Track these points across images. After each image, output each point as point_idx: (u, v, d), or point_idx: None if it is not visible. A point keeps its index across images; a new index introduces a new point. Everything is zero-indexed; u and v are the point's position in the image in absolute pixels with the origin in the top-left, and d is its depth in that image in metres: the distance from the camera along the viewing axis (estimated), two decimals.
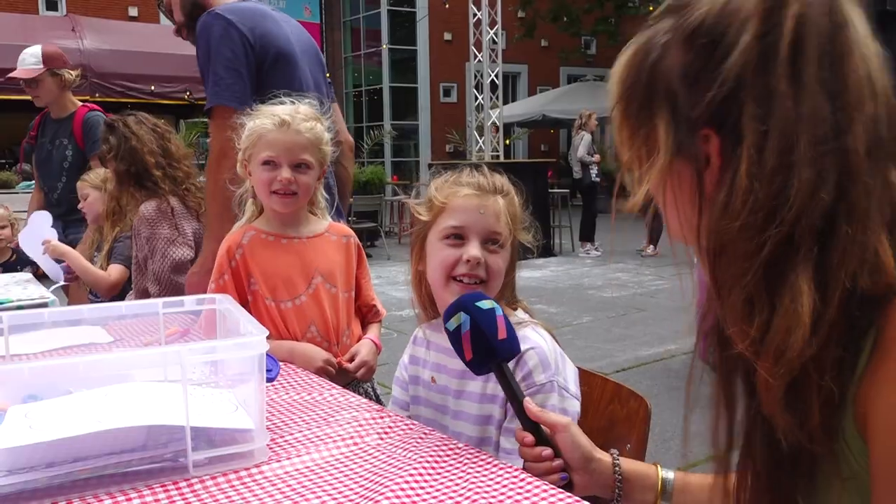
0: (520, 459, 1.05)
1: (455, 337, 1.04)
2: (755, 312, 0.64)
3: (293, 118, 1.61)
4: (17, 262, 3.58)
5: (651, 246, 8.51)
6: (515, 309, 1.32)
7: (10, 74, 3.49)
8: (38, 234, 2.84)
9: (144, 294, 2.34)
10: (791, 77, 0.63)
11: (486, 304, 1.03)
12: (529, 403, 1.02)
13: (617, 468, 1.00)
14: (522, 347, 1.21)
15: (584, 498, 0.90)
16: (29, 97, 3.51)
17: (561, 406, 1.19)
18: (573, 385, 1.24)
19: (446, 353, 1.33)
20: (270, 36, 1.97)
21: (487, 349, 1.02)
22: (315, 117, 1.65)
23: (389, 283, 7.19)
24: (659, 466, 1.02)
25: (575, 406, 1.23)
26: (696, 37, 0.68)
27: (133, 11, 13.63)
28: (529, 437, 1.00)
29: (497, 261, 1.25)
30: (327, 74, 2.30)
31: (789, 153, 0.62)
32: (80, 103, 3.59)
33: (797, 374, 0.62)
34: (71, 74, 3.46)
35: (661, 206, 0.75)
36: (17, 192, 7.65)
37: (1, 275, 3.18)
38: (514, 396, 1.03)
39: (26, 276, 3.06)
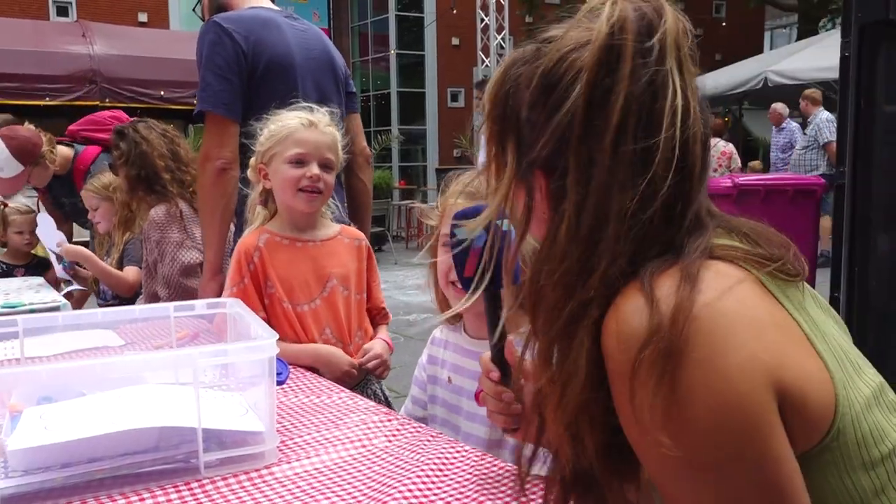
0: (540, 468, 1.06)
1: (461, 250, 0.95)
2: (550, 360, 0.69)
3: (319, 120, 1.66)
4: (38, 265, 3.62)
5: None
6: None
7: (2, 191, 3.18)
8: (51, 233, 2.86)
9: (154, 298, 2.36)
10: (612, 150, 0.65)
11: (505, 225, 0.92)
12: (513, 346, 0.93)
13: None
14: None
15: None
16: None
17: None
18: None
19: (464, 353, 1.35)
20: (265, 44, 2.01)
21: (493, 272, 0.91)
22: (332, 123, 1.70)
23: (397, 287, 7.20)
24: None
25: None
26: (535, 85, 0.71)
27: (143, 17, 13.72)
28: (496, 374, 0.95)
29: None
30: (351, 88, 2.31)
31: (602, 221, 0.65)
32: (71, 152, 3.31)
33: (574, 417, 0.67)
34: (50, 153, 3.18)
35: (504, 216, 0.79)
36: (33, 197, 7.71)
37: (13, 279, 3.21)
38: (500, 328, 0.94)
39: (38, 280, 3.08)
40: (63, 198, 3.39)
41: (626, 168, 0.65)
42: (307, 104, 1.70)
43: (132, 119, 2.76)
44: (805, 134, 7.96)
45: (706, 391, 0.59)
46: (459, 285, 1.24)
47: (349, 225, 1.94)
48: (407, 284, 7.36)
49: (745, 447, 0.59)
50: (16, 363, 1.36)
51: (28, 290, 2.77)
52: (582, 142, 0.66)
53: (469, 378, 1.32)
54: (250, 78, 1.98)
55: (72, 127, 3.46)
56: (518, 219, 0.76)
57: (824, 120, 7.48)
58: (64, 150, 3.31)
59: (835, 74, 7.20)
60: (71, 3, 13.27)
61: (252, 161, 1.71)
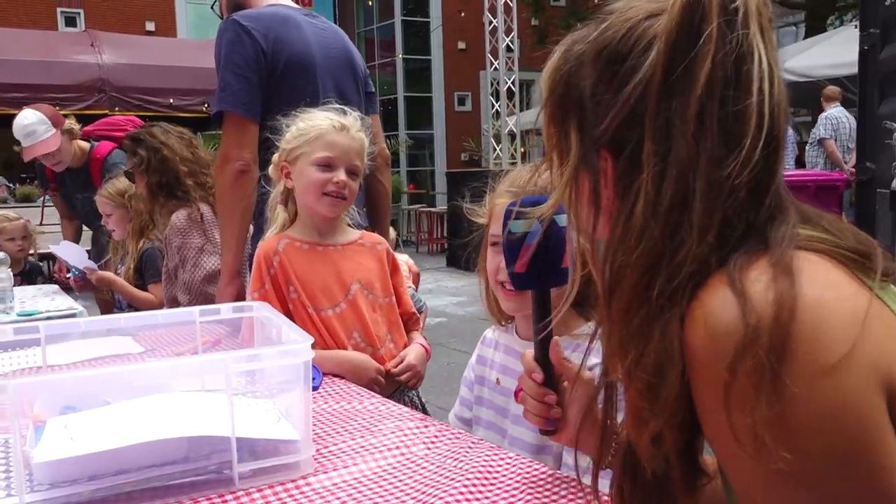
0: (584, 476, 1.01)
1: (514, 241, 0.90)
2: (632, 347, 0.63)
3: (351, 124, 1.61)
4: (31, 271, 3.61)
5: None
6: (589, 319, 1.26)
7: (34, 154, 3.16)
8: (76, 259, 2.81)
9: (174, 304, 2.31)
10: (696, 117, 0.61)
11: (562, 220, 0.88)
12: (558, 346, 0.93)
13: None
14: (593, 361, 1.17)
15: None
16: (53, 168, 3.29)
17: None
18: None
19: (514, 355, 1.30)
20: (284, 41, 1.97)
21: (545, 270, 0.90)
22: (362, 129, 1.65)
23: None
24: None
25: None
26: (603, 57, 0.67)
27: (150, 26, 13.77)
28: (539, 375, 0.92)
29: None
30: (371, 88, 2.27)
31: (686, 195, 0.61)
32: (88, 145, 3.36)
33: (665, 413, 0.61)
34: (73, 124, 3.25)
35: (566, 205, 0.75)
36: (39, 206, 7.72)
37: (28, 287, 3.19)
38: (544, 327, 0.92)
39: (53, 287, 3.05)
40: (77, 193, 3.36)
41: (712, 136, 0.61)
42: (339, 105, 1.65)
43: (144, 124, 2.71)
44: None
45: (813, 393, 0.53)
46: (509, 286, 1.20)
47: (367, 230, 1.89)
48: (420, 289, 7.31)
49: (854, 453, 0.53)
50: (37, 371, 1.31)
51: (43, 297, 2.74)
52: (659, 111, 0.62)
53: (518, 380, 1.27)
54: (270, 77, 1.93)
55: (87, 128, 3.46)
56: (583, 207, 0.71)
57: (823, 117, 7.42)
58: (80, 143, 3.32)
59: (845, 71, 7.11)
60: (79, 13, 13.32)
61: (275, 158, 1.66)
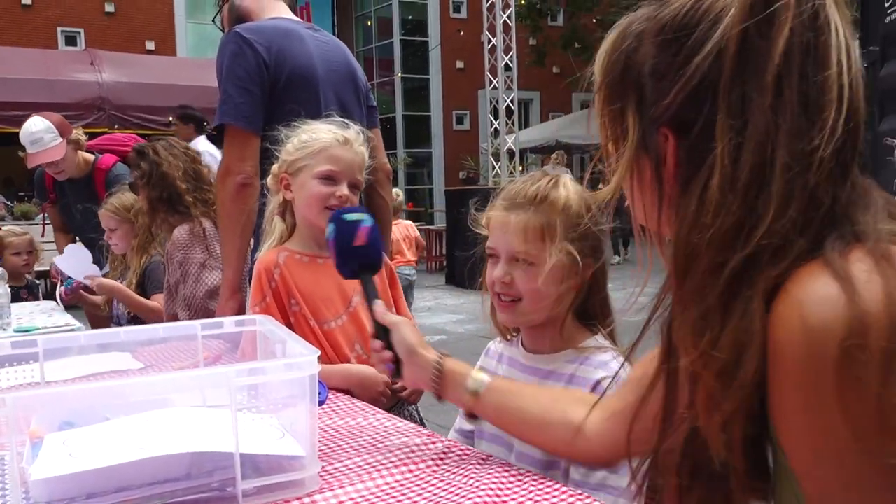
0: (592, 491, 0.99)
1: (329, 246, 1.18)
2: (707, 327, 0.61)
3: (355, 138, 1.60)
4: (32, 285, 3.59)
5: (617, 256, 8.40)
6: (596, 332, 1.23)
7: (39, 161, 3.16)
8: (79, 266, 2.76)
9: (174, 320, 2.28)
10: (774, 87, 0.59)
11: (352, 216, 1.18)
12: (378, 306, 1.15)
13: (437, 365, 1.08)
14: (600, 375, 1.16)
15: None
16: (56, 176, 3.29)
17: None
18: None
19: (520, 368, 1.28)
20: (287, 54, 1.96)
21: (346, 254, 1.18)
22: (364, 143, 1.64)
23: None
24: (470, 368, 1.09)
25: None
26: (667, 30, 0.65)
27: (150, 45, 13.84)
28: (379, 344, 1.14)
29: (526, 280, 1.18)
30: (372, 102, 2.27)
31: (764, 168, 0.59)
32: (92, 157, 3.37)
33: (739, 400, 0.59)
34: (80, 134, 3.26)
35: (627, 195, 0.74)
36: (37, 224, 7.70)
37: (25, 303, 3.15)
38: (369, 297, 1.18)
39: (50, 304, 3.02)
40: (77, 203, 3.34)
41: (792, 108, 0.59)
42: (342, 119, 1.63)
43: (150, 137, 2.70)
44: None
45: None
46: (505, 297, 1.19)
47: None
48: (418, 307, 7.28)
49: None
50: (35, 387, 1.28)
51: (41, 313, 2.71)
52: (734, 83, 0.60)
53: None
54: (272, 90, 1.92)
55: (90, 142, 3.45)
56: (646, 194, 0.68)
57: None
58: (85, 154, 3.33)
59: None
60: (79, 32, 13.40)
61: (274, 169, 1.64)
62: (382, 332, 1.13)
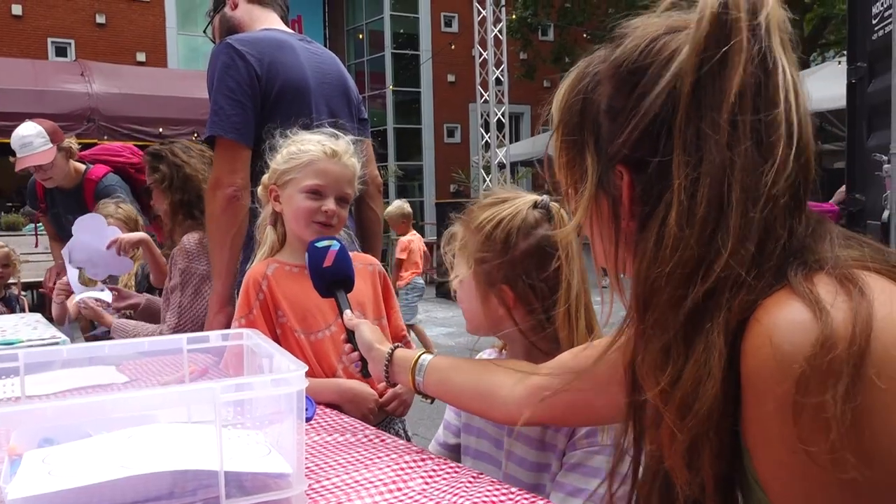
0: None
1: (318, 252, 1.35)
2: (669, 362, 0.61)
3: (344, 150, 1.58)
4: (4, 298, 3.56)
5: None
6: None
7: (26, 165, 3.12)
8: (95, 239, 2.56)
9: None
10: (729, 125, 0.61)
11: (322, 243, 1.37)
12: (346, 314, 1.32)
13: (388, 355, 1.19)
14: None
15: None
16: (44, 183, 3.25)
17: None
18: None
19: None
20: (279, 65, 1.94)
21: (319, 275, 1.36)
22: (355, 154, 1.62)
23: None
24: (421, 353, 1.17)
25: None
26: (622, 70, 0.67)
27: (141, 57, 13.83)
28: (349, 346, 1.30)
29: (459, 293, 1.24)
30: (363, 114, 2.26)
31: (721, 203, 0.60)
32: (83, 167, 3.33)
33: (700, 433, 0.59)
34: (73, 143, 3.23)
35: (587, 235, 0.75)
36: (24, 235, 7.63)
37: (10, 315, 3.11)
38: (340, 310, 1.34)
39: (36, 316, 2.98)
40: (67, 214, 3.30)
41: (745, 145, 0.60)
42: (332, 130, 1.61)
43: (163, 141, 2.65)
44: None
45: (890, 414, 0.51)
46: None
47: (358, 252, 1.85)
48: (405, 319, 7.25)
49: None
50: (15, 401, 1.25)
51: (25, 326, 2.66)
52: (689, 119, 0.61)
53: None
54: (264, 101, 1.90)
55: (83, 153, 3.43)
56: (605, 232, 0.70)
57: None
58: (76, 164, 3.29)
59: (827, 105, 7.29)
60: (70, 43, 13.37)
61: (264, 179, 1.62)
62: (350, 335, 1.29)
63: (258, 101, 1.90)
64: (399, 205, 6.45)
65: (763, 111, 0.61)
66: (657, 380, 0.62)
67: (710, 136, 0.60)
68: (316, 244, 1.36)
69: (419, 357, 1.16)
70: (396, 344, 1.21)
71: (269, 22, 2.12)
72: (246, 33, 2.02)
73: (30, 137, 3.08)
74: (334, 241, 1.36)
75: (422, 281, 6.13)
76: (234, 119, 1.86)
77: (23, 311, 3.50)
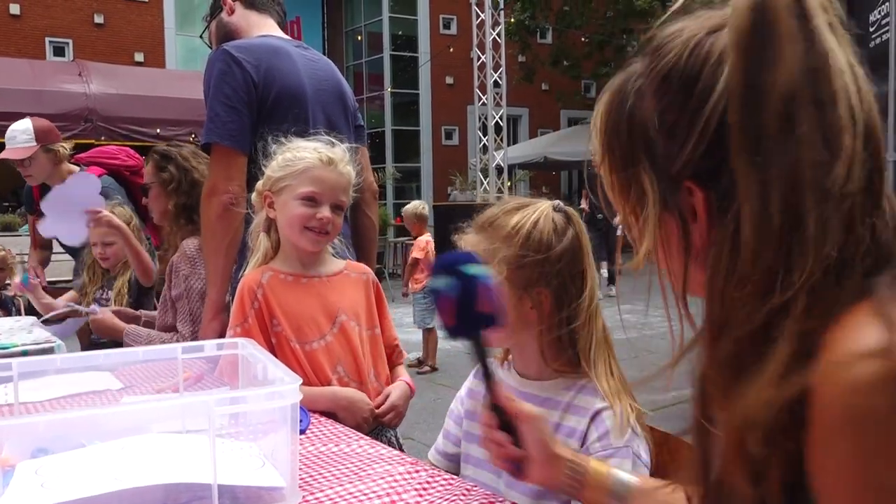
0: None
1: (438, 298, 0.95)
2: (739, 377, 0.58)
3: (340, 158, 1.58)
4: (2, 300, 3.55)
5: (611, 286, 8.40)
6: (583, 365, 1.19)
7: (1, 155, 3.19)
8: (77, 200, 2.57)
9: (167, 330, 2.24)
10: (786, 121, 0.57)
11: (472, 269, 0.94)
12: (500, 387, 0.98)
13: (576, 464, 0.97)
14: (600, 405, 1.14)
15: None
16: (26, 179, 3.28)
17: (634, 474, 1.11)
18: (644, 452, 1.15)
19: (511, 392, 1.26)
20: (276, 72, 1.94)
21: (468, 317, 0.94)
22: (350, 162, 1.62)
23: (395, 325, 7.04)
24: (612, 469, 0.99)
25: (646, 474, 1.14)
26: (670, 81, 0.62)
27: (139, 57, 13.81)
28: (495, 420, 0.97)
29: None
30: (360, 121, 2.25)
31: (796, 208, 0.56)
32: (77, 169, 3.31)
33: (767, 446, 0.56)
34: (65, 148, 3.24)
35: (655, 260, 0.70)
36: (20, 235, 7.61)
37: (6, 318, 3.10)
38: (487, 372, 0.98)
39: (30, 319, 2.97)
40: None
41: (810, 141, 0.56)
42: (327, 137, 1.61)
43: (170, 142, 2.64)
44: None
45: None
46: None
47: (351, 260, 1.84)
48: (404, 322, 7.23)
49: None
50: (8, 409, 1.25)
51: (20, 330, 2.66)
52: (747, 124, 0.57)
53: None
54: (260, 108, 1.90)
55: (79, 155, 3.43)
56: (673, 255, 0.65)
57: None
58: (70, 166, 3.30)
59: None
60: (68, 42, 13.35)
61: (259, 185, 1.62)
62: (504, 420, 0.96)
63: (254, 108, 1.89)
64: (416, 205, 6.37)
65: (822, 101, 0.57)
66: (726, 394, 0.59)
67: (771, 135, 0.56)
68: (464, 268, 0.93)
69: (619, 477, 0.98)
70: (574, 449, 1.02)
71: (266, 28, 2.12)
72: (242, 40, 2.02)
73: (15, 132, 3.13)
74: (482, 268, 0.95)
75: None
76: (230, 126, 1.86)
77: (19, 313, 3.49)
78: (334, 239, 1.63)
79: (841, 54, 0.58)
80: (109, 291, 2.76)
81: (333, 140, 1.61)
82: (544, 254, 1.16)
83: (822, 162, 0.56)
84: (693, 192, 0.62)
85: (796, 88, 0.56)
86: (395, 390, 1.61)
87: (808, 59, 0.57)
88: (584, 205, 8.71)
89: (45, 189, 3.30)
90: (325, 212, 1.54)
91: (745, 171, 0.58)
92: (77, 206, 2.59)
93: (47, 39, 13.23)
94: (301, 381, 0.96)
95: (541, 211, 1.20)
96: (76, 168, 3.33)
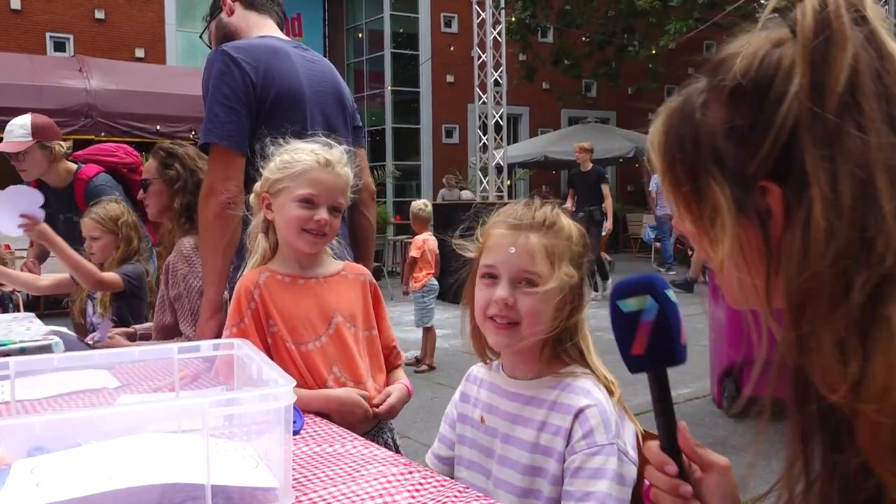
0: None
1: (627, 321, 0.83)
2: (850, 356, 0.59)
3: (338, 160, 1.58)
4: (0, 296, 3.56)
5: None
6: (574, 360, 1.23)
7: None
8: (12, 207, 2.57)
9: (166, 330, 2.25)
10: (852, 111, 0.61)
11: (672, 295, 0.83)
12: (685, 431, 0.83)
13: None
14: (584, 402, 1.16)
15: None
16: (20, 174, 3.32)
17: (620, 472, 1.12)
18: (631, 448, 1.17)
19: (500, 393, 1.27)
20: (275, 72, 1.95)
21: (663, 349, 0.82)
22: (348, 163, 1.62)
23: (393, 323, 7.05)
24: None
25: (632, 472, 1.15)
26: (740, 94, 0.66)
27: (140, 53, 13.79)
28: (673, 468, 0.81)
29: (531, 302, 1.17)
30: (357, 122, 2.26)
31: (866, 186, 0.60)
32: (74, 167, 3.37)
33: None
34: (62, 146, 3.27)
35: (719, 272, 0.70)
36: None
37: (4, 315, 3.11)
38: (667, 412, 0.83)
39: (29, 315, 2.98)
40: (60, 214, 3.31)
41: (876, 124, 0.60)
42: (325, 139, 1.62)
43: (173, 140, 2.65)
44: None
45: None
46: (500, 320, 1.17)
47: (350, 261, 1.85)
48: (403, 321, 7.26)
49: None
50: (5, 407, 1.26)
51: (18, 326, 2.67)
52: (815, 117, 0.61)
53: (504, 419, 1.24)
54: (259, 109, 1.91)
55: (77, 153, 3.45)
56: (754, 262, 0.67)
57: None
58: (68, 164, 3.33)
59: None
60: (68, 38, 13.33)
61: (256, 187, 1.63)
62: (678, 459, 0.82)
63: (253, 109, 1.90)
64: (419, 204, 6.38)
65: (885, 92, 0.61)
66: (843, 377, 0.59)
67: (839, 124, 0.60)
68: (668, 292, 0.83)
69: None
70: None
71: (266, 28, 2.12)
72: (242, 40, 2.03)
73: (14, 126, 3.18)
74: (648, 301, 0.82)
75: (436, 282, 6.02)
76: (228, 126, 1.87)
77: (17, 309, 3.50)
78: (332, 240, 1.64)
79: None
80: (94, 298, 2.77)
81: (331, 142, 1.62)
82: (588, 253, 1.23)
83: (890, 144, 0.60)
84: (768, 190, 0.64)
85: (858, 82, 0.61)
86: (395, 391, 1.62)
87: (868, 56, 0.62)
88: (568, 204, 8.76)
89: (42, 186, 3.32)
90: (322, 214, 1.55)
91: (813, 161, 0.61)
92: (17, 209, 2.59)
93: (48, 34, 13.21)
94: (295, 383, 0.97)
95: (562, 213, 1.25)
96: (74, 166, 3.34)
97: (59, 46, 13.26)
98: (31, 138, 3.16)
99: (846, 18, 0.62)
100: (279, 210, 1.58)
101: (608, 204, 8.75)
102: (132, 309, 2.74)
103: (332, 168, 1.57)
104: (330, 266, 1.67)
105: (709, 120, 0.68)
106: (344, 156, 1.61)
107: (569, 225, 1.23)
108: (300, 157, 1.56)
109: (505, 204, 1.30)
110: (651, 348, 0.81)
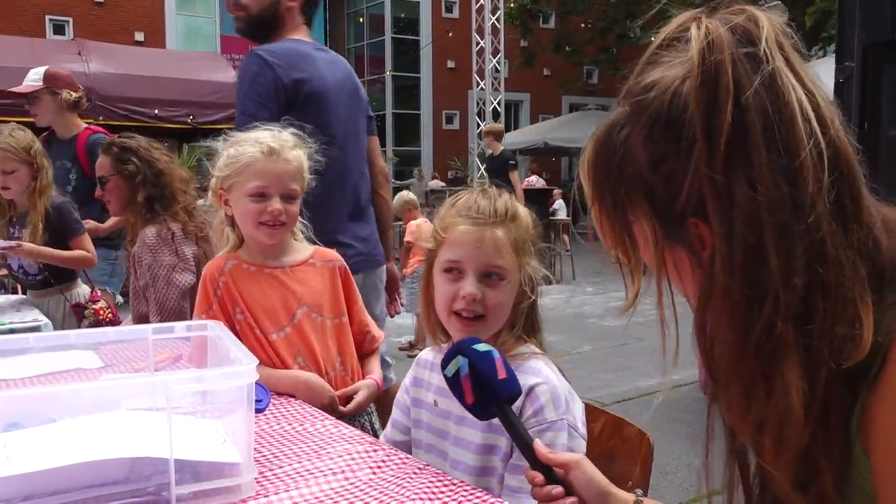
0: (528, 499, 1.01)
1: (454, 382, 1.01)
2: (752, 405, 0.63)
3: (282, 146, 1.57)
4: None
5: None
6: (527, 342, 1.26)
7: (12, 89, 3.51)
8: None
9: (143, 318, 2.28)
10: (743, 165, 0.60)
11: (482, 347, 1.02)
12: (539, 446, 0.97)
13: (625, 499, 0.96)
14: (534, 381, 1.19)
15: None
16: (33, 119, 3.48)
17: (569, 445, 1.15)
18: (581, 424, 1.20)
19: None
20: (305, 76, 2.10)
21: (488, 391, 0.99)
22: (298, 144, 1.61)
23: None
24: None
25: (582, 446, 1.19)
26: (659, 127, 0.66)
27: (140, 36, 13.78)
28: (540, 477, 0.96)
29: (497, 295, 1.20)
30: (370, 112, 2.44)
31: (757, 244, 0.60)
32: (85, 125, 3.55)
33: (802, 460, 0.61)
34: (70, 95, 3.41)
35: (669, 287, 0.73)
36: None
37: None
38: (520, 439, 0.98)
39: (20, 297, 3.02)
40: (57, 160, 3.34)
41: (765, 176, 0.59)
42: (269, 126, 1.62)
43: (121, 134, 2.64)
44: None
45: None
46: (466, 314, 1.20)
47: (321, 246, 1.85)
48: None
49: None
50: None
51: (9, 307, 2.71)
52: (711, 166, 0.61)
53: (456, 401, 1.26)
54: (289, 108, 2.02)
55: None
56: (687, 278, 0.69)
57: None
58: (77, 119, 3.53)
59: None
60: (68, 21, 13.31)
61: (212, 184, 1.62)
62: (546, 469, 0.96)
63: (283, 107, 2.02)
64: (400, 197, 6.36)
65: (779, 140, 0.60)
66: (744, 424, 0.63)
67: (726, 183, 0.60)
68: (474, 346, 1.01)
69: None
70: (637, 491, 0.99)
71: (299, 33, 2.28)
72: (273, 45, 2.16)
73: (30, 73, 3.44)
74: (489, 345, 1.03)
75: None
76: (259, 120, 1.93)
77: (7, 291, 3.54)
78: (293, 227, 1.64)
79: (800, 89, 0.61)
80: (23, 230, 2.71)
81: (272, 127, 1.61)
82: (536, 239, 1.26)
83: (781, 200, 0.59)
84: (698, 225, 0.65)
85: (747, 134, 0.60)
86: (363, 389, 1.62)
87: (763, 100, 0.60)
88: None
89: (51, 137, 3.42)
90: (275, 204, 1.54)
91: (714, 212, 0.62)
92: None
93: (47, 17, 13.19)
94: (258, 361, 1.00)
95: (514, 200, 1.27)
96: (83, 123, 3.52)
97: (59, 29, 13.25)
98: (41, 83, 3.36)
99: (728, 60, 0.60)
100: (235, 205, 1.58)
101: (518, 192, 8.71)
102: (57, 242, 2.72)
103: (277, 156, 1.55)
104: (297, 253, 1.67)
105: (632, 158, 0.68)
106: (291, 139, 1.60)
107: (524, 213, 1.25)
108: (245, 149, 1.56)
109: (455, 191, 1.30)
110: (478, 394, 0.99)
